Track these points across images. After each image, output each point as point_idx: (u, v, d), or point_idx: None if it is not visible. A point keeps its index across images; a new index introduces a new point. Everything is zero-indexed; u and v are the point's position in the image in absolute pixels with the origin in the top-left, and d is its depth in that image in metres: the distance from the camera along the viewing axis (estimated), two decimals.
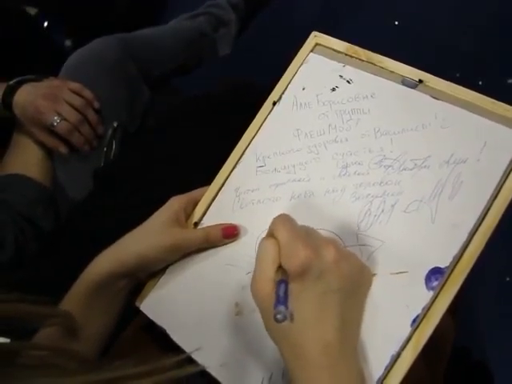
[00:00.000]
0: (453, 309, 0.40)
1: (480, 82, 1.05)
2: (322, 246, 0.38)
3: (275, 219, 0.40)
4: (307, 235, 0.38)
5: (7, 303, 0.38)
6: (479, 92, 0.44)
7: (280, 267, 0.38)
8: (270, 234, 0.39)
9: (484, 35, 1.09)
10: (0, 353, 0.34)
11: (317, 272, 0.36)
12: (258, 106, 0.53)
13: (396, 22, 1.17)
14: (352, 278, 0.38)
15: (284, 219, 0.39)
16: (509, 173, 0.40)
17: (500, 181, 0.40)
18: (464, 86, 0.44)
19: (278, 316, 0.34)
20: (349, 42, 0.51)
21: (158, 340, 0.50)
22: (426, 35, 1.13)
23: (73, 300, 0.48)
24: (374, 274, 0.41)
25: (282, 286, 0.36)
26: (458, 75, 1.07)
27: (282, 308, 0.35)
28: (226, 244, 0.49)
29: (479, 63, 1.07)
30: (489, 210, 0.39)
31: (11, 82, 0.73)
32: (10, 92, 0.72)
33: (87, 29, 1.05)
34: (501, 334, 0.87)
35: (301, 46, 0.53)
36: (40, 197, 0.71)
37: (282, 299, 0.35)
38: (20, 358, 0.35)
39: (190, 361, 0.45)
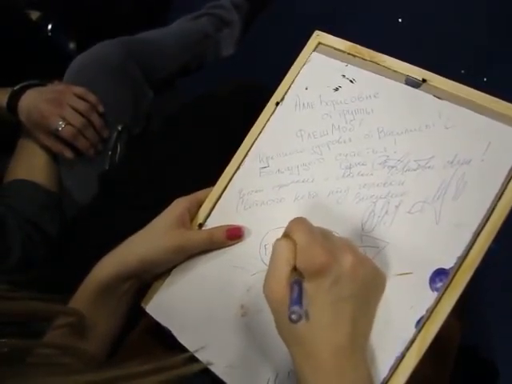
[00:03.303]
0: (460, 309, 0.40)
1: (485, 79, 1.04)
2: (340, 250, 0.38)
3: (292, 221, 0.40)
4: (325, 239, 0.38)
5: (18, 300, 0.38)
6: (484, 89, 0.43)
7: (294, 269, 0.38)
8: (286, 235, 0.39)
9: (489, 31, 1.08)
10: (13, 351, 0.34)
11: (333, 277, 0.36)
12: (261, 107, 0.53)
13: (400, 19, 1.17)
14: (367, 284, 0.39)
15: (301, 221, 0.39)
16: None
17: (504, 181, 0.40)
18: (469, 82, 0.44)
19: (293, 316, 0.34)
20: (352, 40, 0.51)
21: (165, 341, 0.50)
22: (430, 32, 1.12)
23: (79, 301, 0.48)
24: None
25: (296, 287, 0.36)
26: (462, 72, 1.06)
27: (296, 308, 0.34)
28: (230, 245, 0.49)
29: (484, 60, 1.06)
30: (493, 210, 0.39)
31: (16, 87, 0.73)
32: (15, 97, 0.72)
33: (90, 31, 1.05)
34: (508, 334, 0.87)
35: (303, 45, 0.53)
36: (47, 202, 0.72)
37: (296, 300, 0.35)
38: (31, 357, 0.36)
39: (196, 361, 0.46)
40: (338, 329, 0.36)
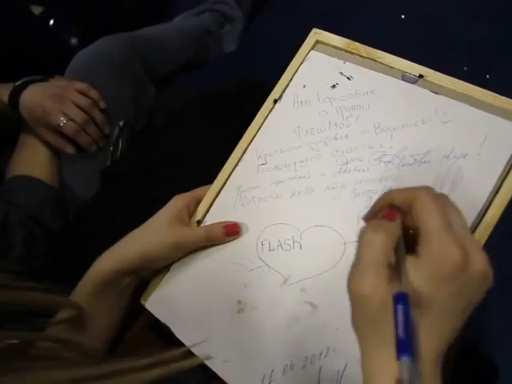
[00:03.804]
0: None
1: (487, 76, 1.04)
2: (475, 249, 0.29)
3: (420, 189, 0.31)
4: (461, 227, 0.30)
5: (19, 290, 0.39)
6: (486, 86, 0.43)
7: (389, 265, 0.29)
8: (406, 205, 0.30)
9: (492, 28, 1.07)
10: (14, 343, 0.34)
11: (458, 285, 0.28)
12: (260, 105, 0.53)
13: (402, 16, 1.16)
14: (482, 294, 0.31)
15: (432, 194, 0.30)
16: (510, 167, 0.40)
17: (501, 175, 0.40)
18: (471, 79, 0.44)
19: (404, 376, 0.25)
20: (355, 38, 0.51)
21: (164, 338, 0.50)
22: (433, 29, 1.11)
23: (78, 296, 0.49)
24: None
25: (402, 316, 0.27)
26: (465, 69, 1.06)
27: (407, 360, 0.25)
28: (228, 242, 0.50)
29: (487, 57, 1.06)
30: (490, 205, 0.39)
31: (17, 83, 0.73)
32: (17, 93, 0.72)
33: (92, 27, 1.05)
34: (508, 332, 0.87)
35: (302, 43, 0.53)
36: (49, 198, 0.72)
37: (405, 343, 0.26)
38: (32, 350, 0.36)
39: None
40: (435, 344, 0.30)
